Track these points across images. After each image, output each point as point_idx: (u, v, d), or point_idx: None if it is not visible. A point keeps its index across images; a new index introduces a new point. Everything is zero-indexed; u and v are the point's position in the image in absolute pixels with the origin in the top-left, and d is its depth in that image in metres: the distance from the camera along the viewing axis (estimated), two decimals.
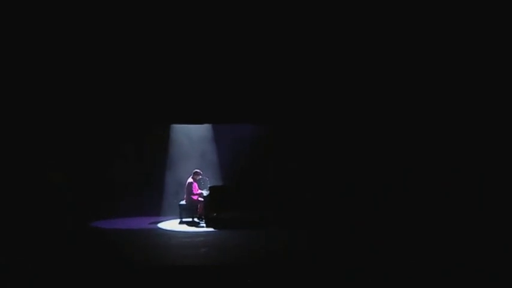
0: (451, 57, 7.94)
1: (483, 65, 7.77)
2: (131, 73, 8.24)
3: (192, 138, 10.27)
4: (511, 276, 4.96)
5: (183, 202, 9.10)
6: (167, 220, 9.34)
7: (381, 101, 8.76)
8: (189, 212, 9.06)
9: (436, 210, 8.13)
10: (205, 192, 9.04)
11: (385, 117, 8.95)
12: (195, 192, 9.04)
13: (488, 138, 7.97)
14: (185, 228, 8.56)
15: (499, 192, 7.69)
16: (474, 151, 8.08)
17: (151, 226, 8.74)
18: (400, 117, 8.82)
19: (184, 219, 9.04)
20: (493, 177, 7.83)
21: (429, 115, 8.53)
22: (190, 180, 9.11)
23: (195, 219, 9.02)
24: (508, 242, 6.40)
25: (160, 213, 9.89)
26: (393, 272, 5.22)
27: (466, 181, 8.02)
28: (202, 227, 8.63)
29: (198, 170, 9.25)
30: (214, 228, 8.40)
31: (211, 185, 9.14)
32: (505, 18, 7.34)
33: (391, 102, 8.68)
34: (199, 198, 9.05)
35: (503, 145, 7.85)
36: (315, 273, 5.25)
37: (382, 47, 8.10)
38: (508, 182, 7.65)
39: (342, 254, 6.24)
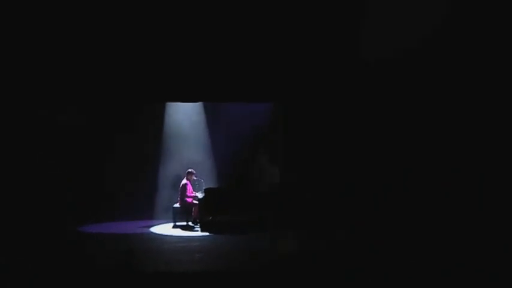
0: (451, 56, 8.14)
1: (483, 65, 7.98)
2: (120, 51, 8.05)
3: (187, 136, 10.35)
4: (511, 276, 5.17)
5: (177, 205, 9.09)
6: (160, 224, 9.35)
7: (381, 101, 8.97)
8: (183, 215, 9.05)
9: (436, 210, 8.37)
10: (200, 195, 9.06)
11: (385, 117, 9.15)
12: (189, 194, 9.03)
13: (488, 138, 8.18)
14: (179, 232, 8.61)
15: (499, 192, 7.93)
16: (474, 151, 8.30)
17: (143, 230, 8.76)
18: (400, 117, 9.02)
19: (178, 223, 9.05)
20: (493, 177, 8.06)
21: (429, 115, 8.73)
22: (184, 181, 9.09)
23: (190, 223, 9.01)
24: (508, 242, 6.59)
25: (152, 216, 9.90)
26: (393, 272, 5.40)
27: (466, 181, 8.24)
28: (197, 231, 8.68)
29: (191, 170, 9.23)
30: (209, 232, 8.47)
31: (206, 187, 9.18)
32: (505, 18, 7.56)
33: (391, 101, 8.89)
34: (194, 201, 9.06)
35: (503, 145, 8.07)
36: (315, 273, 5.42)
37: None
38: (508, 182, 7.89)
39: (342, 254, 6.44)
